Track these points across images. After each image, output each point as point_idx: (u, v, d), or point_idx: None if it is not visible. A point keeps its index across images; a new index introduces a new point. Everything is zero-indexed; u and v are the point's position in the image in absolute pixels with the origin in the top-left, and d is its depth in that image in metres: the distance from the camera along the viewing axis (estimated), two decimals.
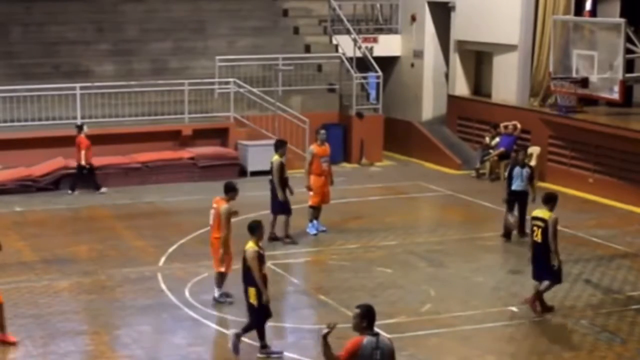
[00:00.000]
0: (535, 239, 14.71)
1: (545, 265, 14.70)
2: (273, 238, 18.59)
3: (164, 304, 15.31)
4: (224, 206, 14.99)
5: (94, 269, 17.08)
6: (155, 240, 18.76)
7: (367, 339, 8.98)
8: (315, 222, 19.50)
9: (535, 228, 14.73)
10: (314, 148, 19.57)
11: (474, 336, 14.15)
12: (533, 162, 24.71)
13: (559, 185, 24.11)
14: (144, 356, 13.46)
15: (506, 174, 19.92)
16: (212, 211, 15.22)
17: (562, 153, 24.40)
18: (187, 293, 15.66)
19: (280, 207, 18.58)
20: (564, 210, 21.20)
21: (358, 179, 25.16)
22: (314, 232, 19.41)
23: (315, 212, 19.52)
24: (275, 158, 18.64)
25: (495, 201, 22.29)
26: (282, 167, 18.58)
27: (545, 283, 14.83)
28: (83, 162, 22.87)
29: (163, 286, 16.16)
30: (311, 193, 19.37)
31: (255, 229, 12.94)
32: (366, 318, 9.01)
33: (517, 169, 18.95)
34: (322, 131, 19.98)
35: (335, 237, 19.20)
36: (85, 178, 23.09)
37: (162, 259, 17.70)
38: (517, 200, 18.94)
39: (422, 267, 17.58)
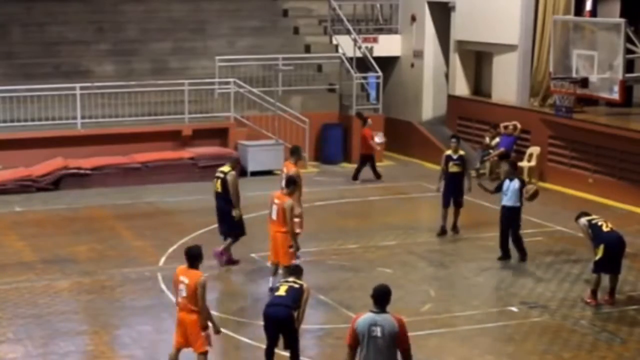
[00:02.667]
0: None
1: None
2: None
3: (164, 304, 15.30)
4: (287, 201, 15.32)
5: (94, 269, 17.07)
6: (155, 240, 18.75)
7: (364, 316, 9.59)
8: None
9: None
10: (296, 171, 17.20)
11: (474, 336, 14.14)
12: (533, 162, 24.76)
13: (559, 185, 24.11)
14: (143, 356, 13.46)
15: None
16: (275, 207, 15.45)
17: (562, 153, 24.37)
18: None
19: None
20: (564, 210, 21.29)
21: None
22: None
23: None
24: None
25: (496, 201, 22.30)
26: None
27: None
28: (376, 148, 24.72)
29: (163, 286, 16.14)
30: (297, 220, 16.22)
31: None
32: (374, 297, 9.68)
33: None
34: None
35: (335, 237, 19.18)
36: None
37: (162, 259, 17.69)
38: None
39: (422, 267, 17.58)
